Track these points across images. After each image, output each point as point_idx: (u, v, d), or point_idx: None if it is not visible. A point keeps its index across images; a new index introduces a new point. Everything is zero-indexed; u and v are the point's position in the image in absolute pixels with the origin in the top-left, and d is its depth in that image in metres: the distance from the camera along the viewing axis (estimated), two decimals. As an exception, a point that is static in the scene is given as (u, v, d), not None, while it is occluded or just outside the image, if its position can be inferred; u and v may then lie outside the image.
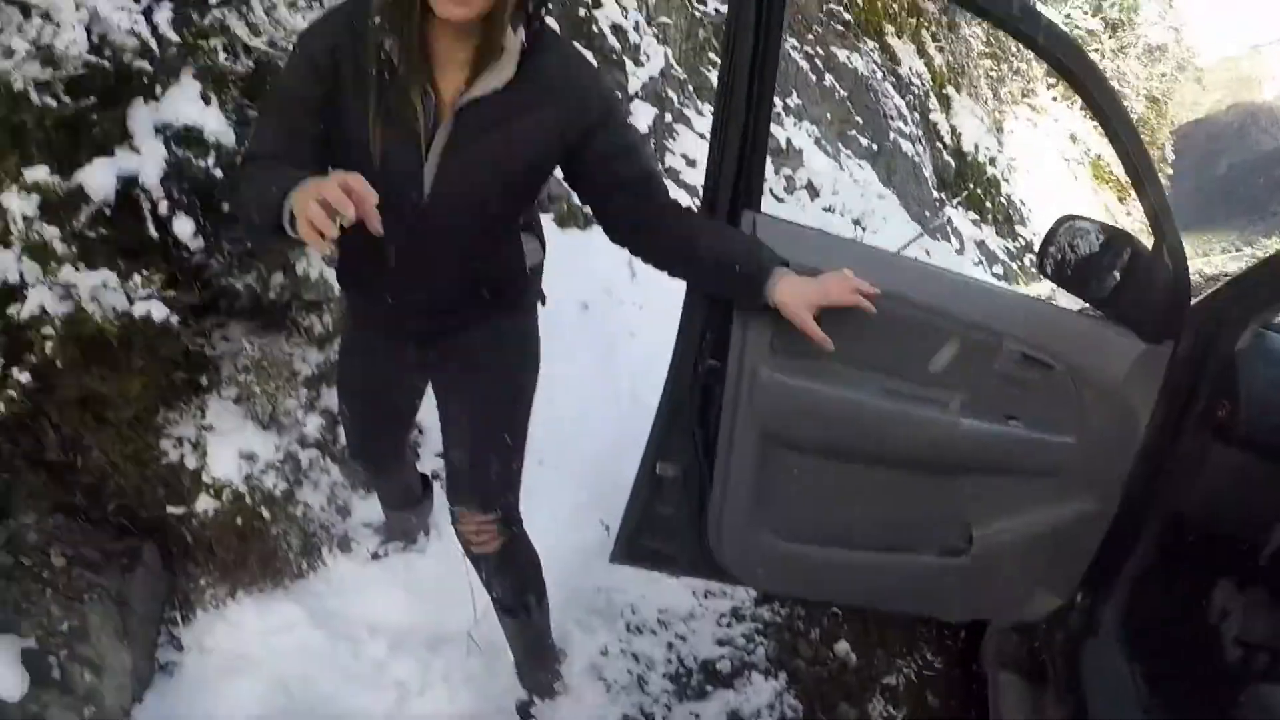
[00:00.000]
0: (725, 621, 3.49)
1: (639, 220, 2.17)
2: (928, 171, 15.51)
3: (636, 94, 6.62)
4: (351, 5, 1.96)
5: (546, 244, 2.37)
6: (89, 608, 2.59)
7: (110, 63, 2.34)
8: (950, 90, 19.07)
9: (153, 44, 2.40)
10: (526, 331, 2.43)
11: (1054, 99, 30.17)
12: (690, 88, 7.97)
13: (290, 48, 2.59)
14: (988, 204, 18.82)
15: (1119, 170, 32.92)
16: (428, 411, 2.78)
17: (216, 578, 2.96)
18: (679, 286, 2.39)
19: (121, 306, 2.39)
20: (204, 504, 2.82)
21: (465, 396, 2.43)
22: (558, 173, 2.15)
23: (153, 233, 2.44)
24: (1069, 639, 2.73)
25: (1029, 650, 2.91)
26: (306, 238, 1.63)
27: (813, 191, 9.13)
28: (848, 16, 13.65)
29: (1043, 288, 10.45)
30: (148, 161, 2.40)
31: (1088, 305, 2.56)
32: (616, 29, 6.60)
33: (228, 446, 2.83)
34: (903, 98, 15.49)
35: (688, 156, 6.87)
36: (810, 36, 11.87)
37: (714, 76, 8.52)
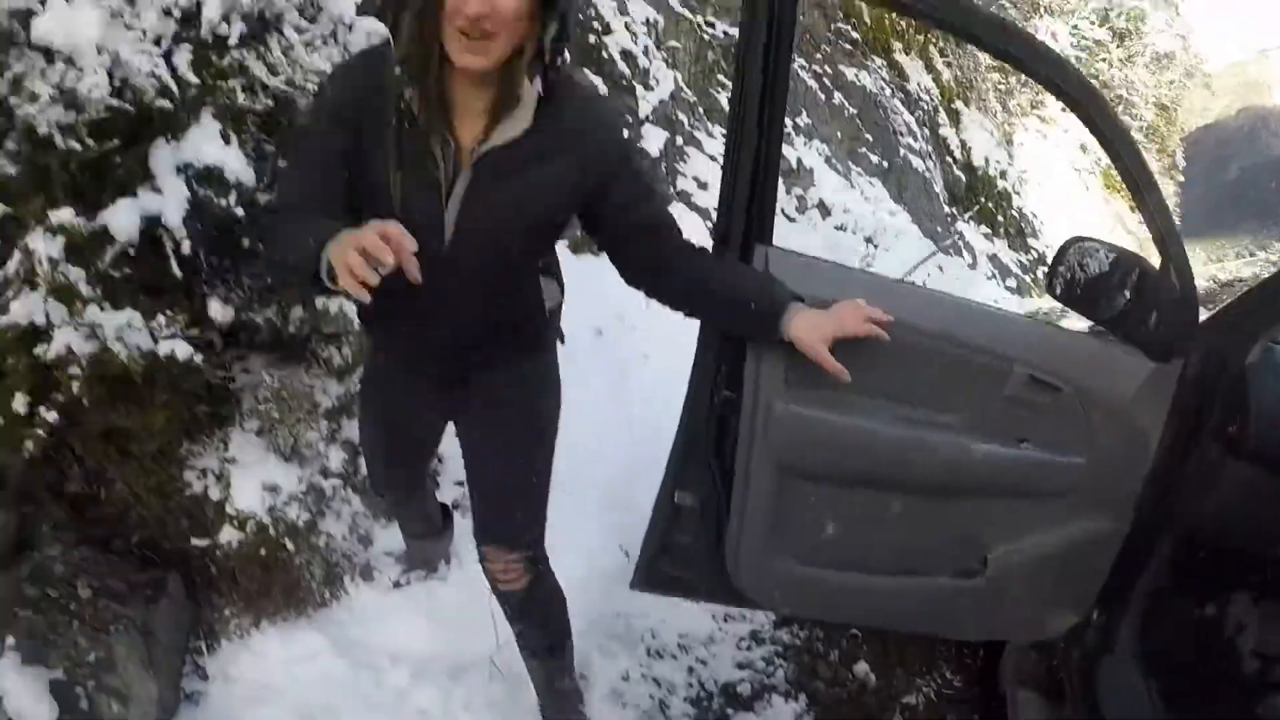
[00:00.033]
0: (745, 645, 3.50)
1: (654, 263, 2.20)
2: (939, 187, 15.52)
3: (647, 118, 6.65)
4: (371, 54, 2.01)
5: (564, 282, 2.40)
6: (115, 638, 2.63)
7: (132, 105, 2.38)
8: (959, 104, 19.07)
9: (173, 86, 2.43)
10: (547, 371, 2.46)
11: (1063, 109, 30.07)
12: (700, 110, 8.01)
13: (308, 86, 2.65)
14: (999, 217, 18.80)
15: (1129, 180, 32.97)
16: (448, 441, 2.80)
17: (240, 607, 2.99)
18: (691, 313, 2.42)
19: (146, 345, 2.43)
20: (228, 535, 2.85)
21: (489, 439, 2.45)
22: None
23: (176, 271, 2.48)
24: (1086, 656, 2.74)
25: (1047, 668, 2.92)
26: (348, 287, 1.64)
27: (824, 210, 9.14)
28: (855, 35, 13.69)
29: (1054, 303, 10.44)
30: (170, 201, 2.44)
31: (1097, 325, 2.58)
32: (626, 54, 6.64)
33: (251, 479, 2.87)
34: (912, 114, 15.50)
35: (699, 179, 6.89)
36: (818, 55, 11.91)
37: (724, 98, 8.55)
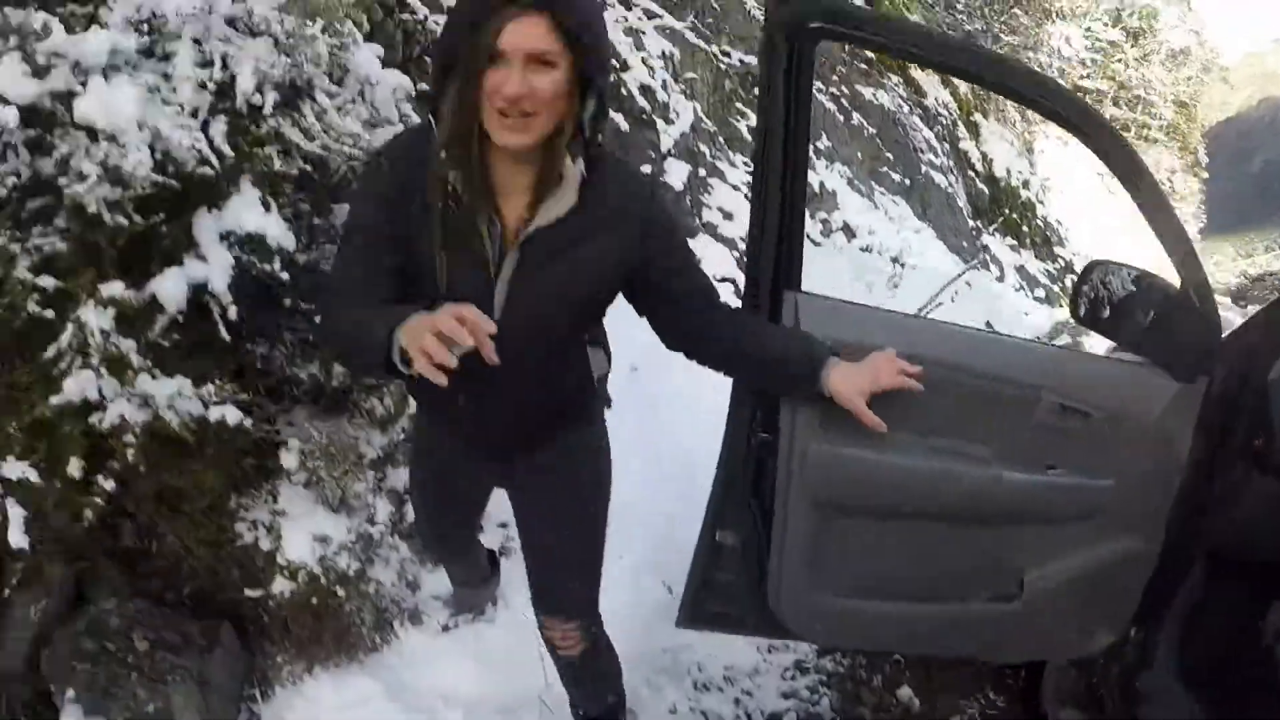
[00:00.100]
0: (789, 675, 3.54)
1: (695, 330, 2.22)
2: (962, 201, 15.51)
3: (669, 152, 6.71)
4: (413, 135, 2.03)
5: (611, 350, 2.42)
6: (172, 689, 2.70)
7: (174, 178, 2.44)
8: (978, 117, 19.07)
9: (211, 157, 2.50)
10: (596, 440, 2.47)
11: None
12: (721, 139, 8.07)
13: (342, 148, 2.73)
14: (1024, 228, 18.74)
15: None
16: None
17: (293, 655, 3.04)
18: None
19: (197, 412, 2.50)
20: (280, 585, 2.91)
21: (542, 513, 2.46)
22: None
23: (224, 334, 2.54)
24: (1125, 672, 2.76)
25: (1087, 685, 2.93)
26: (424, 371, 1.64)
27: (849, 233, 9.19)
28: (870, 54, 13.75)
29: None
30: (215, 268, 2.51)
31: (1121, 347, 2.62)
32: (645, 89, 6.72)
33: (301, 530, 2.93)
34: (931, 129, 15.53)
35: (723, 209, 6.95)
36: (835, 77, 11.97)
37: (744, 126, 8.62)
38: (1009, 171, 19.25)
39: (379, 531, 3.20)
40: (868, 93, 13.03)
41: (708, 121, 7.97)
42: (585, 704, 2.73)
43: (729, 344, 2.24)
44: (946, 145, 16.33)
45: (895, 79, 14.64)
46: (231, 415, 2.56)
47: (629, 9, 7.84)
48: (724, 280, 6.14)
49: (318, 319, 2.17)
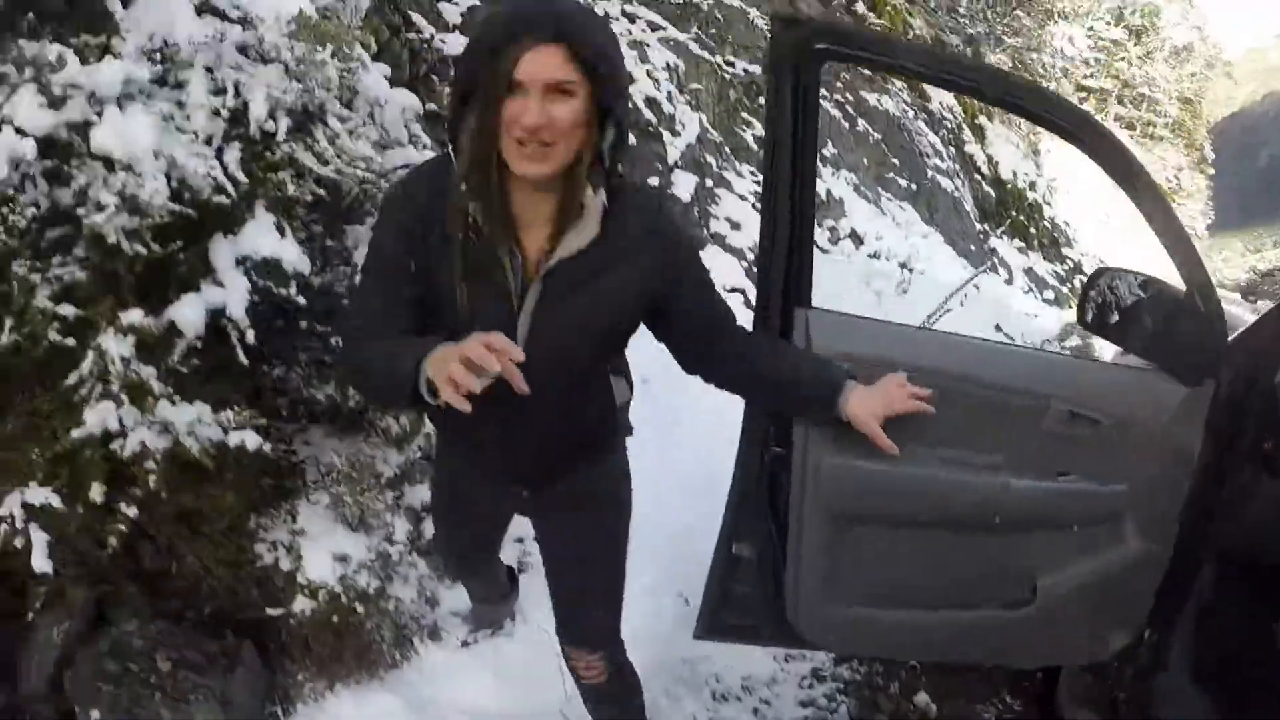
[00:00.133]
0: (807, 683, 3.56)
1: (711, 355, 2.23)
2: (969, 205, 15.50)
3: (676, 164, 6.73)
4: (432, 167, 2.02)
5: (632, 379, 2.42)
6: (195, 708, 2.74)
7: (191, 206, 2.47)
8: (983, 120, 19.07)
9: (226, 183, 2.53)
10: (619, 471, 2.46)
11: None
12: (727, 150, 8.09)
13: (355, 171, 2.75)
14: (1032, 229, 18.71)
15: (1161, 178, 32.61)
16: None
17: (314, 672, 3.06)
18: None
19: (216, 437, 2.53)
20: (301, 604, 2.93)
21: (566, 545, 2.47)
22: None
23: (243, 359, 2.57)
24: (1140, 675, 2.78)
25: (1103, 689, 2.95)
26: (450, 399, 1.64)
27: (857, 240, 9.20)
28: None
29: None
30: (232, 294, 2.54)
31: (1128, 352, 2.65)
32: (650, 102, 6.74)
33: (321, 549, 2.95)
34: (936, 134, 15.53)
35: (731, 219, 6.96)
36: (839, 84, 11.98)
37: (749, 136, 8.63)
38: (1015, 173, 19.23)
39: (398, 552, 3.23)
40: (872, 99, 13.05)
41: (713, 132, 7.99)
42: None
43: (746, 368, 2.25)
44: (952, 149, 16.33)
45: (899, 84, 14.64)
46: (251, 440, 2.59)
47: (632, 22, 7.87)
48: (733, 290, 6.15)
49: (340, 352, 2.15)
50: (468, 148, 1.85)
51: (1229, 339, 2.56)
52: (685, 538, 3.49)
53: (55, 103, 2.38)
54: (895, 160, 12.74)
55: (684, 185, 6.64)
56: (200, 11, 2.70)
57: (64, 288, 2.40)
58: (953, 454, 2.47)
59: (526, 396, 1.75)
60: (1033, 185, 19.93)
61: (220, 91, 2.60)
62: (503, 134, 1.79)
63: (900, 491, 2.44)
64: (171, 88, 2.57)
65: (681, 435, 4.44)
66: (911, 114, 14.64)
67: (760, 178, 8.20)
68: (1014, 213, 17.96)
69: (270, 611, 2.95)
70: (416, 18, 5.16)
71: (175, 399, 2.48)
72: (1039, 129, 23.13)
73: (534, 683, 3.09)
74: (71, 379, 2.42)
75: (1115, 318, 2.57)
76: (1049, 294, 15.72)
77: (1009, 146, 19.61)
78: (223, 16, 2.73)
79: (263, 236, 2.60)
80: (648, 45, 7.59)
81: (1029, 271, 16.08)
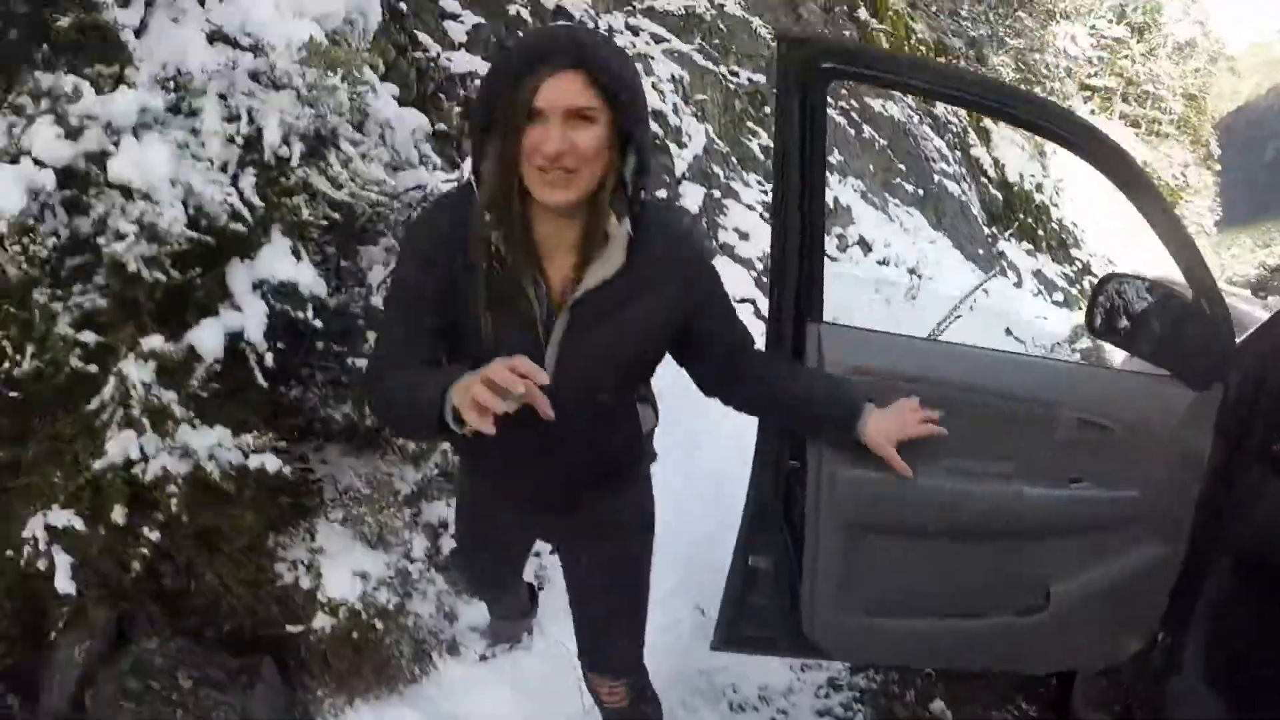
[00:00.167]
0: (823, 693, 3.58)
1: (731, 378, 2.24)
2: (976, 208, 15.52)
3: (684, 176, 6.76)
4: (454, 197, 2.02)
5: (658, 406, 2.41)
6: (216, 725, 2.74)
7: (208, 232, 2.51)
8: (988, 122, 19.08)
9: (242, 209, 2.56)
10: (644, 499, 2.45)
11: (1092, 112, 29.85)
12: (734, 160, 8.12)
13: (369, 195, 2.78)
14: (1040, 231, 18.72)
15: (1167, 175, 32.49)
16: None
17: (333, 688, 3.08)
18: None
19: (237, 461, 2.56)
20: (321, 621, 2.95)
21: (590, 572, 2.45)
22: None
23: (261, 381, 2.60)
24: (1154, 678, 2.79)
25: (1117, 692, 2.96)
26: (473, 422, 1.62)
27: (865, 247, 9.22)
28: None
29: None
30: (250, 318, 2.57)
31: (1137, 357, 2.67)
32: (657, 114, 6.76)
33: (341, 567, 2.97)
34: (942, 138, 15.55)
35: (739, 230, 6.98)
36: (844, 91, 12.01)
37: (755, 145, 8.66)
38: (1021, 176, 19.23)
39: (417, 569, 3.25)
40: (877, 105, 13.07)
41: (720, 142, 8.02)
42: None
43: (765, 391, 2.27)
44: (958, 153, 16.36)
45: (904, 90, 14.65)
46: (271, 463, 2.62)
47: (636, 35, 7.91)
48: (743, 301, 6.18)
49: (365, 384, 2.12)
50: (490, 177, 1.86)
51: (1237, 342, 2.58)
52: (702, 549, 3.51)
53: (72, 133, 2.41)
54: (902, 166, 12.76)
55: (692, 197, 6.67)
56: (212, 40, 2.73)
57: (85, 315, 2.44)
58: (965, 464, 2.49)
59: (554, 426, 1.74)
60: (1039, 187, 19.93)
61: (234, 118, 2.63)
62: (524, 162, 1.79)
63: (914, 502, 2.45)
64: (186, 116, 2.61)
65: (697, 447, 4.46)
66: (917, 119, 14.67)
67: (767, 187, 8.29)
68: (1021, 215, 17.97)
69: (290, 628, 2.97)
70: (423, 37, 5.21)
71: (196, 423, 2.51)
72: (1044, 131, 23.20)
73: (552, 697, 3.11)
74: (94, 404, 2.45)
75: (1123, 323, 2.60)
76: (1058, 296, 15.73)
77: (1015, 149, 19.61)
78: (234, 44, 2.76)
79: (279, 260, 2.62)
80: (652, 58, 7.64)
81: (1038, 274, 16.09)
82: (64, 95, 2.42)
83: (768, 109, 9.29)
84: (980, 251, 13.87)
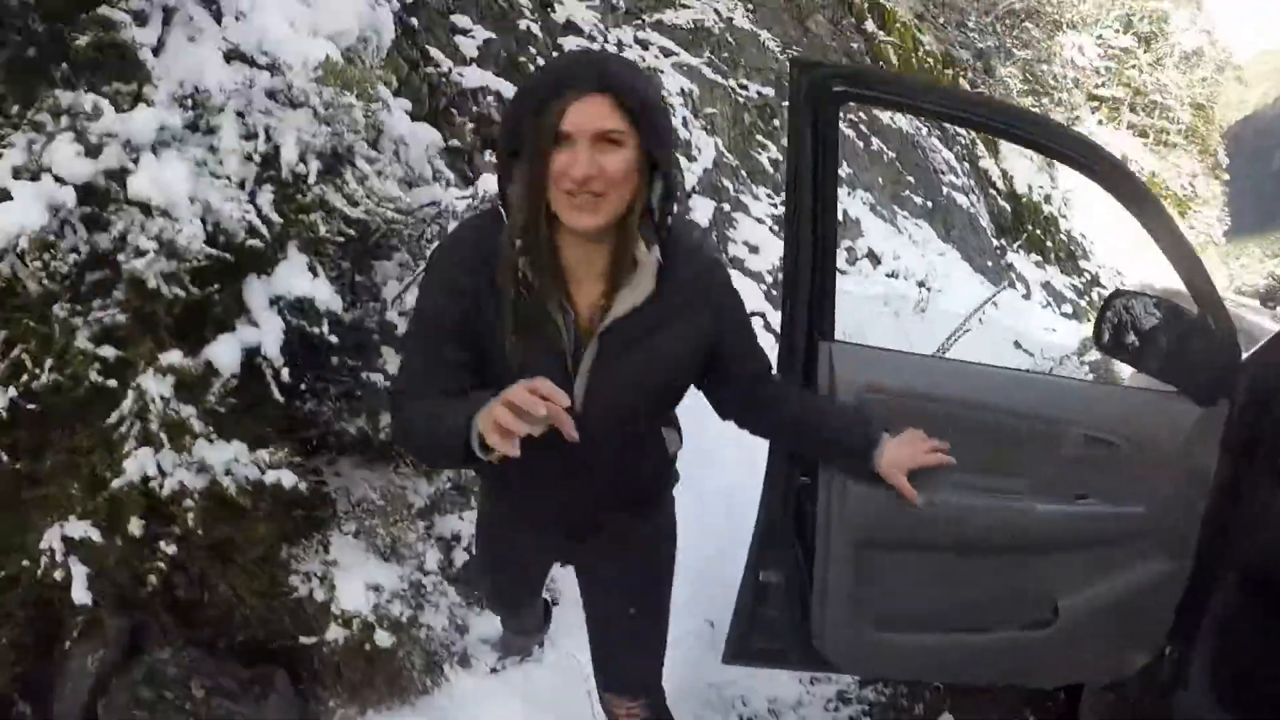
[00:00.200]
0: (833, 706, 3.58)
1: (752, 405, 2.25)
2: (985, 220, 15.52)
3: (694, 189, 6.78)
4: (480, 222, 1.99)
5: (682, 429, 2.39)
6: (228, 735, 2.76)
7: (226, 249, 2.53)
8: (997, 135, 19.03)
9: (260, 226, 2.59)
10: (665, 518, 2.44)
11: (1099, 122, 29.85)
12: (743, 174, 8.15)
13: (384, 210, 2.81)
14: (1048, 243, 18.71)
15: (1175, 185, 32.43)
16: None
17: (345, 699, 3.11)
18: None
19: (253, 476, 2.58)
20: (335, 633, 2.96)
21: (611, 597, 2.43)
22: None
23: (278, 396, 2.63)
24: (1160, 692, 2.79)
25: (1124, 706, 2.97)
26: (496, 444, 1.59)
27: (874, 260, 9.24)
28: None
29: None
30: (267, 333, 2.60)
31: (1144, 373, 2.70)
32: (667, 128, 6.77)
33: (354, 579, 2.99)
34: (950, 150, 15.56)
35: (749, 243, 6.99)
36: (852, 103, 12.02)
37: (765, 159, 8.69)
38: (1030, 187, 19.25)
39: (431, 581, 3.27)
40: (885, 117, 13.08)
41: (729, 156, 8.04)
42: None
43: (786, 419, 2.30)
44: (966, 165, 16.38)
45: (912, 102, 14.66)
46: (287, 479, 2.64)
47: (645, 49, 7.95)
48: (754, 314, 6.18)
49: (391, 414, 2.08)
50: (518, 203, 1.83)
51: (1243, 357, 2.61)
52: (712, 563, 3.52)
53: (92, 151, 2.44)
54: (910, 178, 12.78)
55: (702, 210, 6.69)
56: (229, 58, 2.76)
57: (104, 330, 2.46)
58: (974, 480, 2.51)
59: (583, 453, 1.74)
60: (1048, 198, 19.94)
61: (251, 136, 2.66)
62: (551, 187, 1.77)
63: (924, 517, 2.47)
64: (204, 133, 2.64)
65: (708, 463, 4.46)
66: (925, 131, 14.69)
67: (777, 199, 8.32)
68: (1030, 227, 17.98)
69: (304, 640, 2.99)
70: (434, 52, 5.23)
71: (213, 437, 2.54)
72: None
73: (563, 709, 3.12)
74: (113, 418, 2.48)
75: (1130, 339, 2.62)
76: (1067, 308, 15.72)
77: (1023, 161, 19.62)
78: (251, 63, 2.79)
79: (296, 276, 2.65)
80: (661, 71, 7.67)
81: (1046, 285, 16.08)
82: (84, 113, 2.45)
83: (777, 122, 9.33)
84: (989, 263, 13.88)
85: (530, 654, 3.42)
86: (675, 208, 1.93)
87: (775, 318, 2.38)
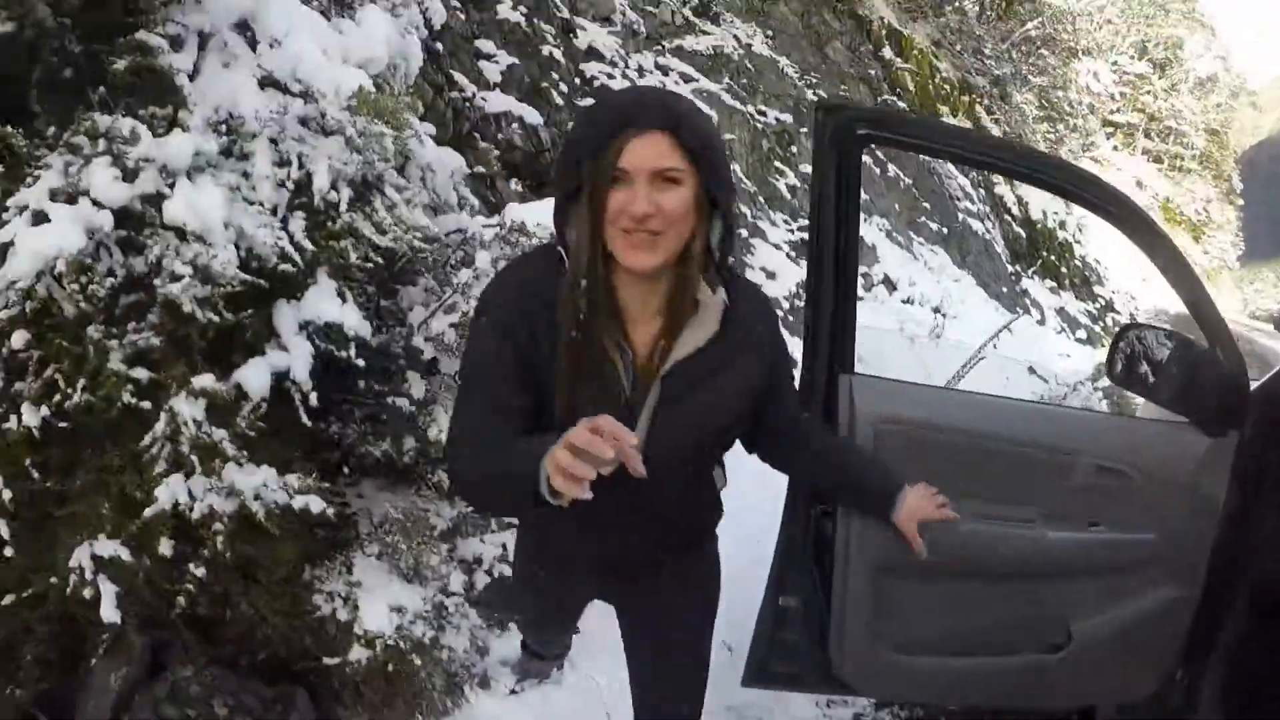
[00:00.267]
0: (850, 728, 3.59)
1: (783, 447, 2.27)
2: (1000, 246, 15.54)
3: (712, 215, 6.80)
4: (529, 260, 1.99)
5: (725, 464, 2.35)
6: (250, 752, 2.78)
7: (258, 274, 2.56)
8: (1012, 161, 19.04)
9: (292, 251, 2.63)
10: (710, 556, 2.42)
11: (1114, 148, 29.86)
12: (761, 199, 8.18)
13: (411, 239, 2.85)
14: (1063, 269, 18.71)
15: (1190, 210, 32.40)
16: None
17: (365, 719, 3.13)
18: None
19: (282, 501, 2.60)
20: (357, 654, 2.97)
21: (654, 635, 2.40)
22: None
23: (305, 420, 2.66)
24: (1172, 715, 2.83)
25: (1136, 730, 3.00)
26: (563, 488, 1.51)
27: (890, 286, 9.26)
28: (902, 104, 13.86)
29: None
30: (296, 357, 2.62)
31: (1155, 404, 2.74)
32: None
33: (377, 601, 2.99)
34: (966, 176, 15.58)
35: (766, 269, 7.04)
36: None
37: (782, 185, 8.73)
38: (1045, 213, 19.25)
39: (453, 603, 3.29)
40: (902, 143, 13.11)
41: (748, 182, 8.09)
42: None
43: (815, 460, 2.33)
44: (982, 191, 16.40)
45: (928, 128, 14.71)
46: (315, 505, 2.65)
47: (665, 75, 8.01)
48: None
49: (449, 464, 2.00)
50: (579, 240, 1.80)
51: (1253, 386, 2.66)
52: (732, 587, 3.54)
53: (129, 175, 2.46)
54: (926, 204, 12.81)
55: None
56: (263, 85, 2.79)
57: (137, 352, 2.49)
58: (989, 508, 2.57)
59: (642, 493, 1.71)
60: (1062, 224, 19.94)
61: (284, 163, 2.69)
62: (608, 226, 1.75)
63: (940, 544, 2.49)
64: (238, 159, 2.67)
65: (729, 489, 4.49)
66: (941, 157, 14.70)
67: (794, 225, 8.35)
68: (1045, 253, 17.98)
69: (327, 660, 3.00)
70: (458, 77, 5.29)
71: (242, 461, 2.56)
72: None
73: (581, 730, 3.14)
74: (145, 440, 2.50)
75: (1142, 370, 2.68)
76: (1081, 333, 15.71)
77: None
78: (285, 90, 2.82)
79: (324, 302, 2.68)
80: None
81: (1061, 311, 16.09)
82: (121, 137, 2.47)
83: (794, 148, 9.37)
84: (1004, 289, 13.89)
85: (549, 676, 3.43)
86: (733, 247, 1.91)
87: (791, 343, 2.39)
